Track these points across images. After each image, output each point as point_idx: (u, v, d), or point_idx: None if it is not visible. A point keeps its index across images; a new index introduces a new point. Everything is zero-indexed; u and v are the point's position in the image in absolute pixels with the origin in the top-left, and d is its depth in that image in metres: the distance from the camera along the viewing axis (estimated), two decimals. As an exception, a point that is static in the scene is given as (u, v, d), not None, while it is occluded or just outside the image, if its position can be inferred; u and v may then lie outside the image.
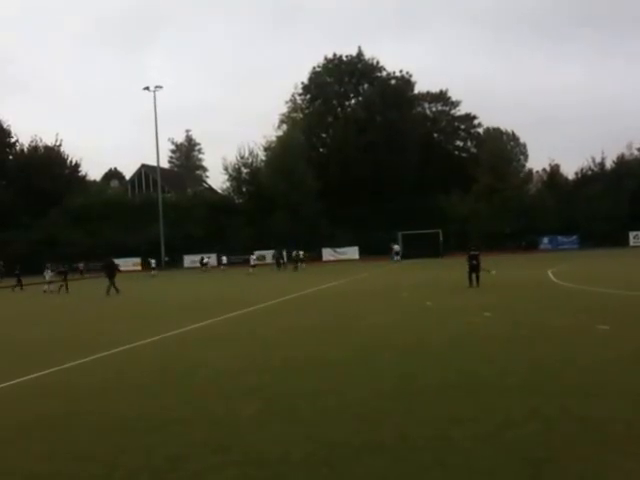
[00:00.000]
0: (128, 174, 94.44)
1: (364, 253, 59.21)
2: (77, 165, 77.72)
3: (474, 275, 21.24)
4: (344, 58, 74.90)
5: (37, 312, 23.04)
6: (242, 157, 71.73)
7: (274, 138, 71.89)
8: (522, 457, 4.96)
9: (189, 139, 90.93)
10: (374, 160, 65.70)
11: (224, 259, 56.06)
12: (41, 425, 6.75)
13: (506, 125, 74.46)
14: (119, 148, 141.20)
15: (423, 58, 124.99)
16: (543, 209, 61.57)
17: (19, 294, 35.46)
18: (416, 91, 76.00)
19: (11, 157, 74.78)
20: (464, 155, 77.58)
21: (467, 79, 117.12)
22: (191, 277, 45.38)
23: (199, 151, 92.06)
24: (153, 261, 53.58)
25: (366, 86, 74.64)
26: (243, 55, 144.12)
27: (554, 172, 71.09)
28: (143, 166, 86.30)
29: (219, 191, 79.20)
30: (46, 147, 74.73)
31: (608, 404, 6.32)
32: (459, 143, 79.71)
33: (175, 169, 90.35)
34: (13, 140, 75.31)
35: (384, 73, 74.58)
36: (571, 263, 35.12)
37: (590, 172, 68.19)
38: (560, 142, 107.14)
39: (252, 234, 63.20)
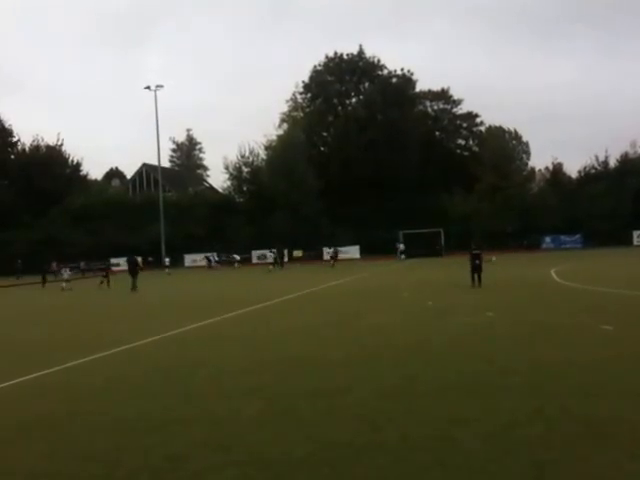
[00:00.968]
0: (129, 173, 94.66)
1: (365, 252, 59.23)
2: (78, 164, 77.78)
3: (476, 275, 21.17)
4: (345, 57, 74.86)
5: (48, 310, 23.05)
6: (243, 156, 71.80)
7: (275, 137, 71.99)
8: (524, 458, 4.93)
9: (190, 138, 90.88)
10: (375, 159, 65.63)
11: (213, 257, 57.90)
12: (41, 425, 6.72)
13: (508, 123, 74.38)
14: (120, 148, 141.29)
15: (424, 56, 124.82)
16: (546, 208, 61.37)
17: (39, 290, 35.78)
18: (417, 89, 75.95)
19: (12, 157, 74.73)
20: (466, 154, 77.40)
21: (469, 77, 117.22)
22: (199, 275, 45.39)
23: (200, 150, 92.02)
24: (167, 260, 55.00)
25: (367, 84, 74.57)
26: (243, 54, 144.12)
27: (557, 170, 70.97)
28: (144, 165, 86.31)
29: (220, 190, 79.21)
30: (47, 147, 74.72)
31: (611, 404, 6.28)
32: (461, 142, 79.55)
33: (176, 168, 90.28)
34: (14, 140, 75.35)
35: (385, 71, 74.54)
36: (574, 262, 35.04)
37: (593, 171, 68.04)
38: (563, 140, 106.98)
39: (253, 233, 63.23)
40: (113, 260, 61.61)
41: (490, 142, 70.92)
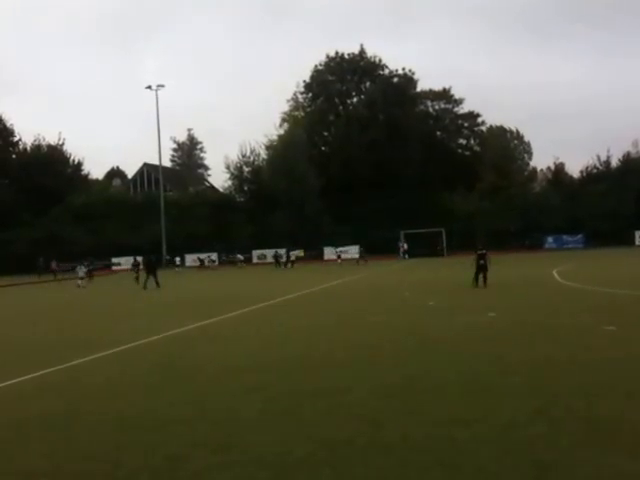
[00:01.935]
0: (130, 173, 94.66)
1: (366, 252, 59.07)
2: (79, 164, 77.81)
3: (481, 275, 21.00)
4: (346, 56, 74.77)
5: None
6: (244, 156, 71.87)
7: (276, 137, 71.95)
8: (527, 458, 4.90)
9: (191, 138, 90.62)
10: (376, 158, 65.56)
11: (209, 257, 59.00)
12: (41, 424, 6.70)
13: (510, 123, 74.35)
14: (121, 147, 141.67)
15: (426, 56, 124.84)
16: (548, 208, 61.27)
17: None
18: (419, 89, 75.84)
19: (14, 156, 74.76)
20: (467, 153, 77.28)
21: (470, 77, 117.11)
22: (205, 274, 45.37)
23: (201, 150, 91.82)
24: (178, 259, 55.80)
25: (368, 84, 74.48)
26: (244, 54, 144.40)
27: (559, 170, 70.94)
28: (145, 165, 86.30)
29: (221, 190, 79.17)
30: (49, 146, 74.72)
31: (613, 405, 6.26)
32: (462, 141, 79.35)
33: (177, 168, 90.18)
34: (16, 139, 75.35)
35: (386, 71, 74.43)
36: (576, 262, 34.97)
37: (595, 170, 68.00)
38: (565, 140, 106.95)
39: (254, 232, 63.21)
40: (114, 259, 61.71)
41: (491, 142, 70.87)
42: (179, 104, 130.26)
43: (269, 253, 60.08)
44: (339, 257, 52.54)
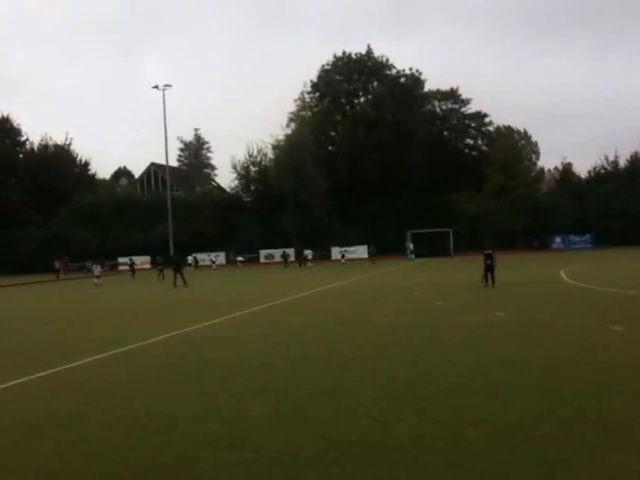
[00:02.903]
0: (137, 173, 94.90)
1: (377, 251, 59.04)
2: (87, 164, 78.14)
3: (489, 274, 21.05)
4: (353, 56, 74.80)
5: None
6: (251, 155, 71.90)
7: (283, 137, 71.98)
8: (536, 458, 4.90)
9: (198, 138, 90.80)
10: (383, 158, 65.52)
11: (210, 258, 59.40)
12: (51, 423, 6.73)
13: (517, 123, 74.03)
14: (128, 147, 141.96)
15: (433, 56, 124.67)
16: (555, 208, 61.10)
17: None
18: (426, 89, 75.73)
19: (21, 156, 75.13)
20: (475, 153, 77.09)
21: (478, 77, 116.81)
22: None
23: (208, 150, 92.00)
24: (189, 258, 56.17)
25: (375, 84, 74.49)
26: (251, 54, 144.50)
27: (566, 170, 70.69)
28: (152, 165, 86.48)
29: (227, 190, 79.28)
30: (56, 146, 75.07)
31: (621, 405, 6.25)
32: (469, 141, 79.19)
33: (184, 168, 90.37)
34: (23, 139, 75.73)
35: (394, 71, 74.44)
36: (584, 263, 34.85)
37: (603, 171, 67.78)
38: (572, 141, 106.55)
39: (261, 232, 63.27)
40: (120, 259, 61.90)
41: (499, 142, 70.62)
42: (186, 104, 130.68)
43: (276, 253, 60.20)
44: (342, 257, 53.10)
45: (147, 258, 62.95)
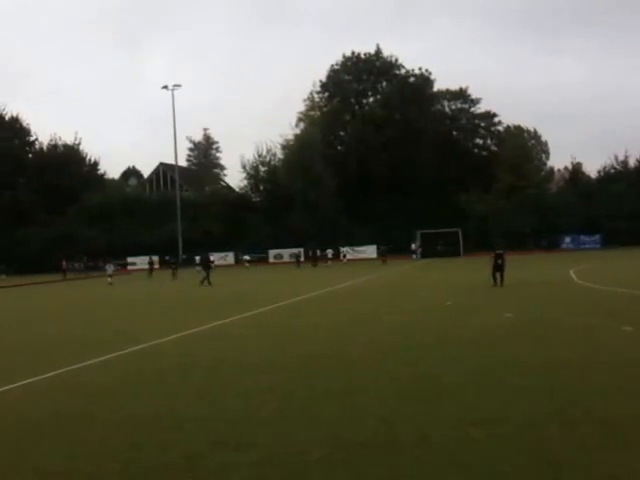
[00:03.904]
0: (146, 172, 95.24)
1: (388, 251, 58.97)
2: (96, 163, 78.47)
3: (498, 274, 21.00)
4: (362, 56, 74.78)
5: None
6: (260, 155, 72.05)
7: (292, 136, 72.05)
8: (542, 459, 4.87)
9: (207, 137, 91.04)
10: (392, 158, 65.43)
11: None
12: (58, 422, 6.75)
13: (527, 123, 73.58)
14: (137, 147, 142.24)
15: (442, 56, 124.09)
16: (565, 208, 60.77)
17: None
18: (435, 89, 75.51)
19: (30, 155, 75.53)
20: (484, 153, 76.74)
21: (487, 76, 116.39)
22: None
23: (217, 149, 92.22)
24: (198, 258, 55.20)
25: (384, 84, 74.43)
26: (260, 54, 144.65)
27: (576, 170, 70.32)
28: (161, 164, 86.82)
29: (236, 189, 79.45)
30: (65, 145, 75.43)
31: (631, 406, 6.20)
32: (479, 141, 78.83)
33: (193, 167, 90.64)
34: (32, 139, 76.11)
35: (403, 71, 74.32)
36: (594, 263, 34.65)
37: (613, 170, 67.44)
38: (582, 140, 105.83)
39: (270, 232, 63.34)
40: (130, 259, 62.10)
41: (509, 141, 70.28)
42: (195, 104, 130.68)
43: (285, 253, 60.26)
44: (344, 257, 53.54)
45: (156, 258, 63.06)
